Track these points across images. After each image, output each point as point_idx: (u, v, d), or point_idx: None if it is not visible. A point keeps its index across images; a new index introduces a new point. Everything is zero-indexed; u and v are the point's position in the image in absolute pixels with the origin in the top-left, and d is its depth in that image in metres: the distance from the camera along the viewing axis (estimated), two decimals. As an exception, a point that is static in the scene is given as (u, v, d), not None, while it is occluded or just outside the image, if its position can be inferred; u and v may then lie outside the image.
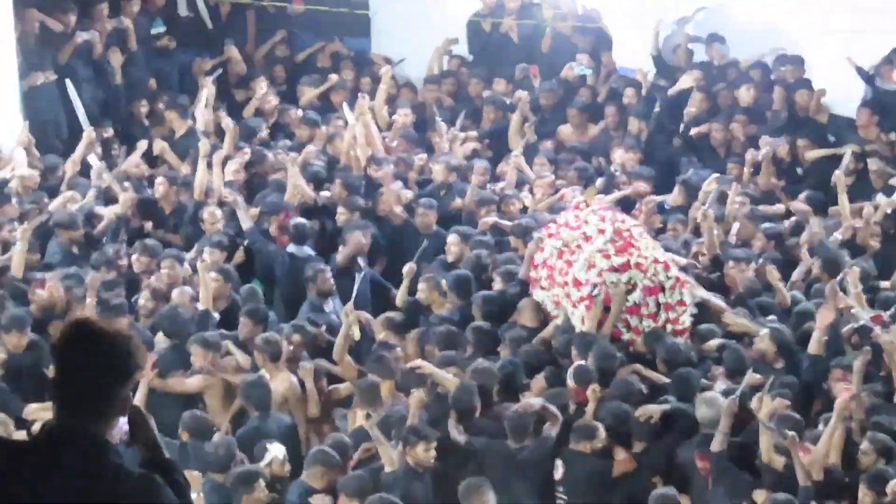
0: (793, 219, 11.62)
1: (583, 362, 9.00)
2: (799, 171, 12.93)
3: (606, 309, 9.56)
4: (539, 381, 9.18)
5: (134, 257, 10.96)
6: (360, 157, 12.57)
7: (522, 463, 8.43)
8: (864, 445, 8.13)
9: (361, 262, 11.18)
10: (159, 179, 12.33)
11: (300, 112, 14.04)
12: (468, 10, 15.44)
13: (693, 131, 13.33)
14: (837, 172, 11.72)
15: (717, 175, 12.02)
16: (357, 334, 9.75)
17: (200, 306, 10.12)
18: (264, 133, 13.59)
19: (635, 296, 9.61)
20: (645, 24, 14.32)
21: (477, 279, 10.56)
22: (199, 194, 11.90)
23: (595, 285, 9.59)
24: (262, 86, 14.22)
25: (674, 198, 12.23)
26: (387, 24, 16.12)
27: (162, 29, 15.22)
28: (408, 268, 10.58)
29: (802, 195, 12.12)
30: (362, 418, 8.99)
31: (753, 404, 8.23)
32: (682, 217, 11.75)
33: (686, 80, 13.81)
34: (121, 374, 3.57)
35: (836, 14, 13.26)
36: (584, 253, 9.75)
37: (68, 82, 13.38)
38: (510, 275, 10.45)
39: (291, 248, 11.30)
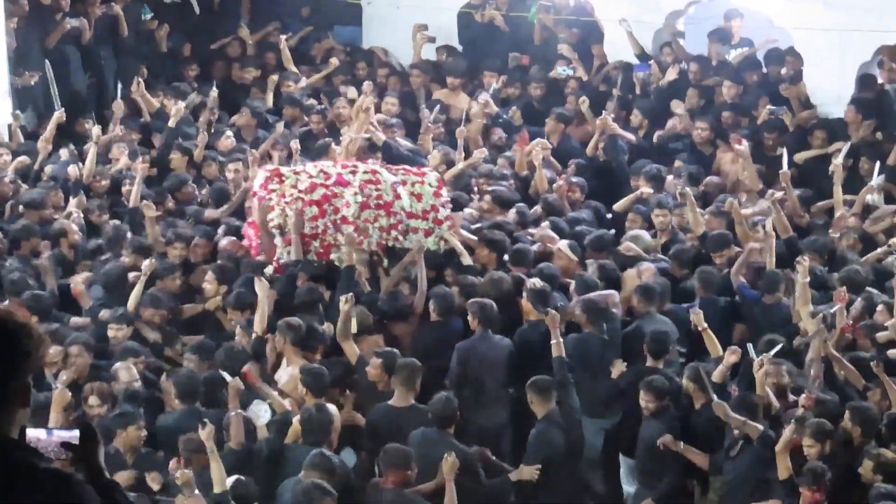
0: None
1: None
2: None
3: None
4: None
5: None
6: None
7: None
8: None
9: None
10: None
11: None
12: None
13: (679, 128, 13.28)
14: (836, 162, 11.68)
15: None
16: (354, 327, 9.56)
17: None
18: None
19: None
20: (642, 17, 14.35)
21: None
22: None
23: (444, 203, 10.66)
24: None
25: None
26: (378, 12, 16.11)
27: (150, 15, 15.12)
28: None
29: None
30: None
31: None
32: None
33: (671, 73, 13.83)
34: (7, 363, 3.29)
35: (829, 12, 13.28)
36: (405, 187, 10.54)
37: (47, 64, 13.33)
38: None
39: None
